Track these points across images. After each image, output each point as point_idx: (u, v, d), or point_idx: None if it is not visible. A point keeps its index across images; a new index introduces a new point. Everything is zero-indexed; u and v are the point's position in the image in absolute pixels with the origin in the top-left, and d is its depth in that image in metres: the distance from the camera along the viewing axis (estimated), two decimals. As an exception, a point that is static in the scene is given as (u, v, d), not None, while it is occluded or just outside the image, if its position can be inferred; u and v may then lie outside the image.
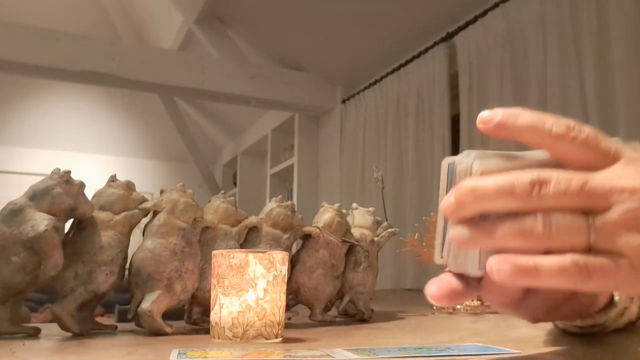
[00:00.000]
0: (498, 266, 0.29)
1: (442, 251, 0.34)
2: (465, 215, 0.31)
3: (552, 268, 0.28)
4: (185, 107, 5.15)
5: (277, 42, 3.46)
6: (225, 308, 0.55)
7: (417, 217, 2.40)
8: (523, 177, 0.30)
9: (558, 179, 0.29)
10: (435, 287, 0.34)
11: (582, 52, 1.93)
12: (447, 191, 0.33)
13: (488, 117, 0.33)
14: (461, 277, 0.34)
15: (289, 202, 0.79)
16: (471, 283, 0.34)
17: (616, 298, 0.42)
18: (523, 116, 0.32)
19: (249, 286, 0.55)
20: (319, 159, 3.86)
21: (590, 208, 0.29)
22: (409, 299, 1.57)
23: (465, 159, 0.33)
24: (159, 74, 3.20)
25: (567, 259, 0.29)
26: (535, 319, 0.38)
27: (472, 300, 0.92)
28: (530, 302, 0.36)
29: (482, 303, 0.94)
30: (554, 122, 0.32)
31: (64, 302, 0.60)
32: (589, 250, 0.29)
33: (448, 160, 0.34)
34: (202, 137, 5.47)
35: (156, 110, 5.12)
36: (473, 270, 0.33)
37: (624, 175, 0.30)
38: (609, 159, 0.31)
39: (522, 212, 0.30)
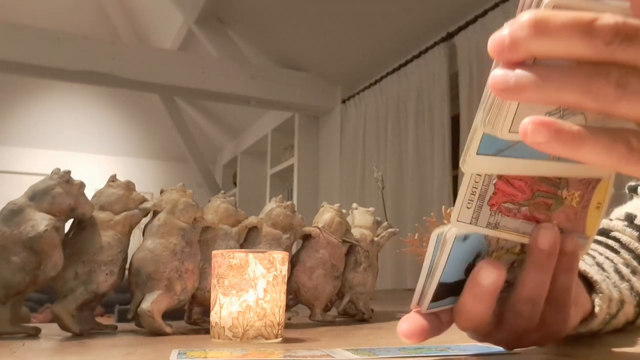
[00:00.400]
0: (535, 126, 0.24)
1: (418, 303, 0.35)
2: (516, 58, 0.25)
3: (600, 142, 0.24)
4: (185, 107, 5.15)
5: (277, 42, 3.46)
6: (225, 308, 0.56)
7: (417, 217, 2.40)
8: (606, 19, 0.23)
9: None
10: (406, 325, 0.34)
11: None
12: (430, 257, 0.33)
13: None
14: (432, 315, 0.35)
15: (289, 202, 0.79)
16: (443, 318, 0.35)
17: (597, 309, 0.42)
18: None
19: (249, 286, 0.55)
20: (319, 159, 3.86)
21: None
22: (409, 299, 1.56)
23: None
24: (159, 74, 3.20)
25: (621, 137, 0.24)
26: (509, 346, 0.38)
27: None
28: (500, 332, 0.37)
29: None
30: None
31: (64, 302, 0.60)
32: None
33: (437, 231, 0.32)
34: (202, 137, 5.47)
35: (156, 110, 5.12)
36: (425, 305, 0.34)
37: None
38: None
39: (595, 66, 0.23)
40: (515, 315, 0.35)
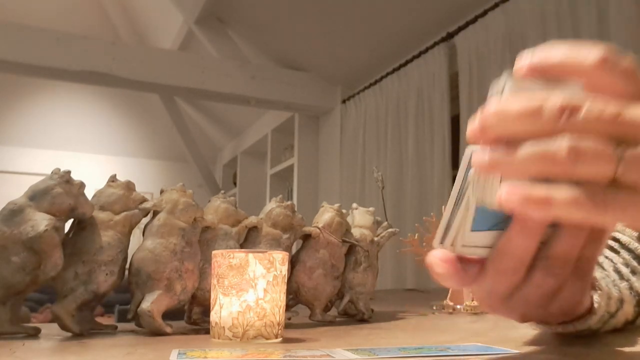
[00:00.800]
0: (509, 193, 0.27)
1: (442, 238, 0.33)
2: (488, 140, 0.29)
3: (567, 197, 0.27)
4: (185, 107, 5.15)
5: (277, 42, 3.46)
6: (225, 308, 0.56)
7: (417, 217, 2.40)
8: (552, 101, 0.27)
9: (590, 105, 0.27)
10: (442, 253, 0.33)
11: (582, 52, 1.93)
12: (462, 178, 0.32)
13: (472, 129, 0.31)
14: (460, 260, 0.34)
15: (289, 202, 0.79)
16: (469, 271, 0.34)
17: (595, 305, 0.42)
18: (556, 50, 0.30)
19: (249, 286, 0.55)
20: (319, 159, 3.86)
21: (621, 139, 0.27)
22: (409, 299, 1.57)
23: (500, 80, 0.31)
24: (159, 74, 3.20)
25: (583, 189, 0.27)
26: (523, 318, 0.38)
27: (472, 300, 0.92)
28: (517, 299, 0.36)
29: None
30: (590, 51, 0.29)
31: (64, 302, 0.60)
32: (613, 182, 0.27)
33: (471, 148, 0.32)
34: (202, 137, 5.47)
35: (156, 110, 5.12)
36: (467, 236, 0.32)
37: None
38: None
39: (550, 137, 0.27)
40: (545, 271, 0.34)
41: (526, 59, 0.31)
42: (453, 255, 0.33)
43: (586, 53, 0.29)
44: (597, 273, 0.44)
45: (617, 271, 0.47)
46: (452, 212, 0.32)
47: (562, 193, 0.27)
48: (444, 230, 0.33)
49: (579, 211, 0.27)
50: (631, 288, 0.47)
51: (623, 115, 0.27)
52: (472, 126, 0.30)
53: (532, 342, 0.49)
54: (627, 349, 0.44)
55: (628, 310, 0.47)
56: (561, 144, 0.27)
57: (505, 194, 0.28)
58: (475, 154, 0.30)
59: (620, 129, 0.27)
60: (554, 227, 0.34)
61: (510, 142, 0.29)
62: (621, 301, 0.45)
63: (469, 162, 0.31)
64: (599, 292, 0.43)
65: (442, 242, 0.33)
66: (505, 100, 0.29)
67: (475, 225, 0.32)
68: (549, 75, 0.30)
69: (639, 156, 0.27)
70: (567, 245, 0.34)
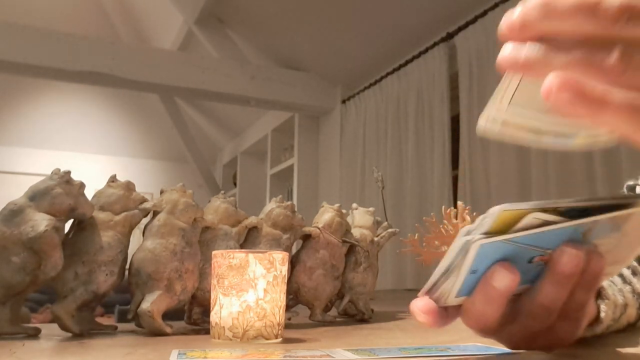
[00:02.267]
0: (561, 85, 0.24)
1: (429, 292, 0.35)
2: (527, 37, 0.26)
3: (623, 102, 0.24)
4: (185, 107, 5.15)
5: (277, 42, 3.46)
6: (225, 308, 0.55)
7: (417, 217, 2.40)
8: (612, 0, 0.24)
9: None
10: (422, 303, 0.34)
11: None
12: (459, 247, 0.32)
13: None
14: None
15: (289, 203, 0.79)
16: (449, 311, 0.35)
17: (602, 314, 0.42)
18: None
19: (249, 286, 0.55)
20: (319, 159, 3.86)
21: None
22: (409, 299, 1.56)
23: None
24: (159, 74, 3.20)
25: None
26: (514, 346, 0.38)
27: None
28: (508, 330, 0.36)
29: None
30: None
31: (64, 302, 0.60)
32: None
33: (465, 235, 0.31)
34: (202, 137, 5.47)
35: (156, 110, 5.12)
36: (450, 298, 0.33)
37: None
38: None
39: (600, 41, 0.24)
40: (528, 316, 0.35)
41: (512, 19, 0.28)
42: (433, 305, 0.34)
43: None
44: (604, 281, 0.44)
45: (620, 274, 0.47)
46: (442, 274, 0.33)
47: (620, 97, 0.24)
48: (432, 286, 0.34)
49: (632, 122, 0.24)
50: (634, 291, 0.47)
51: None
52: (509, 19, 0.26)
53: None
54: (627, 350, 0.44)
55: (631, 313, 0.47)
56: (613, 50, 0.24)
57: (558, 85, 0.24)
58: (504, 49, 0.26)
59: None
60: (533, 282, 0.34)
61: (551, 43, 0.25)
62: (625, 306, 0.45)
63: (462, 246, 0.31)
64: (606, 300, 0.43)
65: (429, 293, 0.35)
66: None
67: (460, 292, 0.33)
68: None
69: None
70: (549, 297, 0.34)
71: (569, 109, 0.24)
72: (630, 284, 0.47)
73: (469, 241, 0.31)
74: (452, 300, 0.34)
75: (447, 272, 0.33)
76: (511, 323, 0.36)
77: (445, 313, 0.35)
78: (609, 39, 0.24)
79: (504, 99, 0.29)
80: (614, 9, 0.24)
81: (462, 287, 0.33)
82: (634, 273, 0.48)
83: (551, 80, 0.24)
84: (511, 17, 0.26)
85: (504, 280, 0.32)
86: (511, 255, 0.32)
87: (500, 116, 0.29)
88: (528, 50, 0.26)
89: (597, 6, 0.24)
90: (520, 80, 0.28)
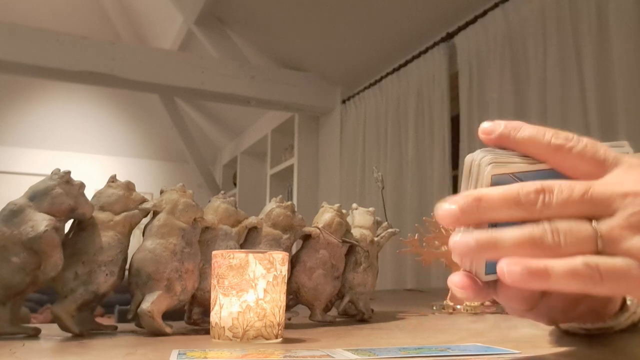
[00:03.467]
0: (509, 268, 0.29)
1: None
2: (467, 224, 0.31)
3: (564, 270, 0.28)
4: (185, 107, 5.15)
5: (277, 43, 3.46)
6: (225, 308, 0.55)
7: (417, 217, 2.40)
8: (527, 187, 0.30)
9: (561, 187, 0.30)
10: (460, 278, 0.34)
11: (582, 52, 1.93)
12: (467, 187, 0.34)
13: (490, 128, 0.34)
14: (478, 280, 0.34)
15: (289, 203, 0.79)
16: (488, 285, 0.35)
17: (628, 302, 0.42)
18: (524, 130, 0.33)
19: (249, 286, 0.55)
20: (319, 159, 3.86)
21: (594, 214, 0.30)
22: (409, 299, 1.57)
23: (480, 157, 0.33)
24: (159, 74, 3.20)
25: (578, 260, 0.29)
26: (551, 321, 0.38)
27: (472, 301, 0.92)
28: (547, 303, 0.36)
29: (483, 303, 0.94)
30: (552, 135, 0.32)
31: (64, 302, 0.60)
32: (599, 254, 0.29)
33: (472, 156, 0.34)
34: (202, 137, 5.47)
35: (156, 111, 5.12)
36: (481, 276, 0.33)
37: (625, 180, 0.30)
38: (608, 167, 0.32)
39: (528, 221, 0.30)
40: None
41: (495, 127, 0.34)
42: (469, 280, 0.34)
43: (550, 137, 0.32)
44: None
45: None
46: None
47: (560, 264, 0.29)
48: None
49: (577, 283, 0.28)
50: None
51: (590, 192, 0.30)
52: (448, 210, 0.31)
53: (532, 342, 0.49)
54: (627, 350, 0.44)
55: (636, 312, 0.47)
56: (544, 232, 0.29)
57: (507, 267, 0.29)
58: (454, 239, 0.31)
59: (590, 206, 0.30)
60: None
61: (492, 228, 0.31)
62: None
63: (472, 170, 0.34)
64: None
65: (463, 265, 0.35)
66: (483, 189, 0.31)
67: (490, 268, 0.34)
68: (513, 148, 0.33)
69: (612, 229, 0.29)
70: None
71: (523, 283, 0.29)
72: None
73: (475, 160, 0.33)
74: (484, 277, 0.34)
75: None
76: (549, 295, 0.36)
77: (484, 287, 0.35)
78: (537, 219, 0.30)
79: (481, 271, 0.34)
80: (531, 195, 0.30)
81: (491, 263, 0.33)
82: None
83: (502, 264, 0.29)
84: (449, 209, 0.31)
85: None
86: None
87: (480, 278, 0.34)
88: (477, 236, 0.30)
89: (517, 197, 0.30)
90: None
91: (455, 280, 0.34)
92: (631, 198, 0.29)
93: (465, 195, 0.31)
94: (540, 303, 0.36)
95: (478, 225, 0.31)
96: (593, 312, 0.38)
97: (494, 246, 0.30)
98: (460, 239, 0.31)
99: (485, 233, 0.31)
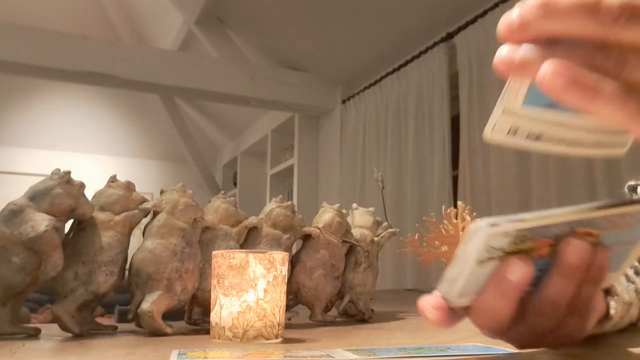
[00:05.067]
0: (555, 72, 0.24)
1: (447, 290, 0.34)
2: (526, 38, 0.26)
3: (615, 94, 0.24)
4: (185, 107, 5.15)
5: (277, 43, 3.46)
6: (225, 308, 0.56)
7: (417, 217, 2.40)
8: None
9: None
10: (431, 301, 0.33)
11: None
12: (467, 240, 0.32)
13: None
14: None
15: (289, 203, 0.79)
16: (457, 311, 0.35)
17: (612, 311, 0.42)
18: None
19: (249, 286, 0.55)
20: (319, 159, 3.86)
21: None
22: (409, 299, 1.57)
23: None
24: (159, 74, 3.20)
25: (634, 94, 0.24)
26: (521, 346, 0.38)
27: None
28: (516, 330, 0.36)
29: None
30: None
31: (64, 302, 0.60)
32: None
33: (477, 223, 0.31)
34: (202, 137, 5.47)
35: (156, 111, 5.12)
36: (452, 299, 0.33)
37: None
38: None
39: (600, 43, 0.24)
40: (537, 314, 0.35)
41: (511, 20, 0.27)
42: (443, 302, 0.33)
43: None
44: None
45: (624, 274, 0.47)
46: (459, 269, 0.33)
47: (612, 87, 0.24)
48: (451, 282, 0.34)
49: (621, 111, 0.24)
50: (637, 290, 0.47)
51: None
52: (507, 20, 0.26)
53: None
54: (627, 350, 0.44)
55: (634, 312, 0.47)
56: (610, 53, 0.24)
57: (552, 71, 0.24)
58: (500, 51, 0.26)
59: None
60: (541, 272, 0.34)
61: (549, 44, 0.25)
62: (630, 304, 0.45)
63: (472, 235, 0.31)
64: (616, 297, 0.43)
65: (446, 293, 0.34)
66: None
67: (466, 291, 0.33)
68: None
69: None
70: (557, 292, 0.34)
71: (562, 95, 0.24)
72: (633, 283, 0.47)
73: (476, 229, 0.31)
74: (457, 300, 0.34)
75: (454, 265, 0.33)
76: (519, 322, 0.35)
77: (453, 312, 0.34)
78: (612, 41, 0.24)
79: (514, 101, 0.29)
80: (614, 7, 0.24)
81: (467, 286, 0.33)
82: (637, 273, 0.48)
83: (546, 66, 0.24)
84: (510, 18, 0.26)
85: (520, 273, 0.32)
86: None
87: (507, 121, 0.29)
88: (524, 52, 0.25)
89: (597, 5, 0.24)
90: (529, 84, 0.28)
91: (430, 301, 0.33)
92: None
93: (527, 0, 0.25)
94: (513, 328, 0.36)
95: (537, 40, 0.25)
96: (563, 341, 0.37)
97: (542, 63, 0.25)
98: (505, 53, 0.26)
99: (537, 48, 0.25)
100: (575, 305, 0.35)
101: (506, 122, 0.29)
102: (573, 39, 0.25)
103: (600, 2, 0.24)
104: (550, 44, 0.25)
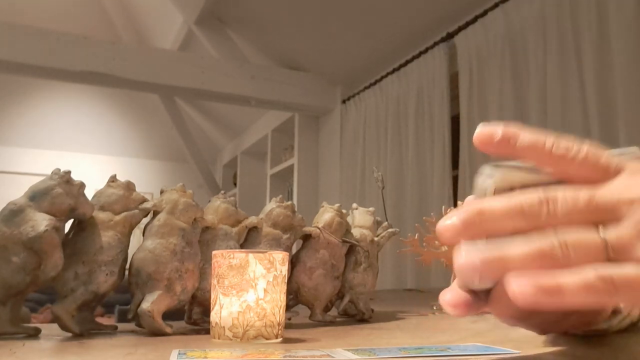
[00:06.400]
0: (520, 289, 0.27)
1: None
2: (470, 237, 0.30)
3: (577, 285, 0.27)
4: (185, 107, 5.15)
5: (277, 42, 3.46)
6: (225, 308, 0.56)
7: (417, 217, 2.40)
8: (531, 197, 0.30)
9: (565, 196, 0.29)
10: (450, 295, 0.33)
11: (582, 52, 1.93)
12: None
13: (487, 135, 0.33)
14: (469, 290, 0.34)
15: (289, 203, 0.79)
16: (480, 296, 0.34)
17: (620, 304, 0.42)
18: (523, 137, 0.32)
19: (249, 286, 0.55)
20: (319, 159, 3.86)
21: (600, 221, 0.29)
22: (409, 299, 1.57)
23: (484, 177, 0.33)
24: (159, 74, 3.20)
25: (590, 274, 0.27)
26: (543, 331, 0.38)
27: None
28: (538, 314, 0.36)
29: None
30: (553, 143, 0.31)
31: (64, 302, 0.60)
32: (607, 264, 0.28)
33: (483, 171, 0.33)
34: (202, 137, 5.47)
35: (156, 111, 5.12)
36: (475, 284, 0.33)
37: (630, 186, 0.30)
38: (611, 173, 0.31)
39: (532, 230, 0.29)
40: None
41: (492, 134, 0.32)
42: (460, 295, 0.33)
43: (550, 144, 0.31)
44: None
45: None
46: None
47: (572, 279, 0.27)
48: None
49: (592, 296, 0.27)
50: None
51: (595, 199, 0.29)
52: (449, 223, 0.30)
53: (532, 342, 0.49)
54: (627, 350, 0.44)
55: (635, 312, 0.47)
56: (552, 243, 0.28)
57: (518, 288, 0.27)
58: (462, 256, 0.30)
59: (595, 213, 0.29)
60: None
61: (499, 240, 0.30)
62: None
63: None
64: None
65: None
66: (485, 199, 0.31)
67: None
68: (512, 156, 0.32)
69: (621, 237, 0.28)
70: None
71: (535, 303, 0.27)
72: None
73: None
74: (478, 284, 0.33)
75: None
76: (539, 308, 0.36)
77: (477, 298, 0.34)
78: (541, 229, 0.29)
79: None
80: (534, 206, 0.29)
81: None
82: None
83: (512, 283, 0.28)
84: (451, 223, 0.30)
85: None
86: None
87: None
88: (482, 252, 0.29)
89: (521, 208, 0.29)
90: None
91: (447, 298, 0.33)
92: (638, 204, 0.29)
93: (466, 208, 0.30)
94: (532, 313, 0.36)
95: (480, 238, 0.30)
96: (585, 320, 0.38)
97: (501, 264, 0.29)
98: (465, 261, 0.30)
99: (491, 250, 0.29)
100: None
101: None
102: (515, 233, 0.30)
103: (522, 205, 0.29)
104: (500, 242, 0.29)
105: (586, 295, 0.27)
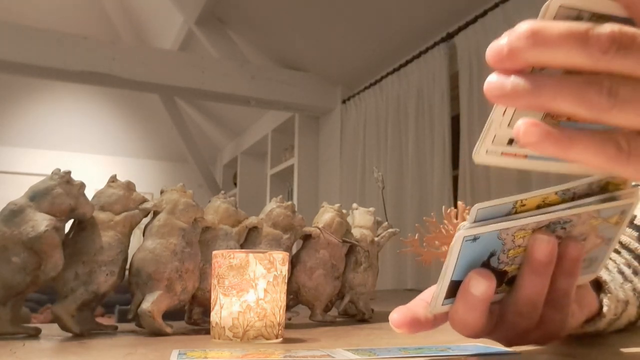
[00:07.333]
0: (527, 127, 0.24)
1: (434, 303, 0.35)
2: (514, 67, 0.25)
3: (589, 143, 0.24)
4: (185, 107, 5.15)
5: (277, 43, 3.46)
6: (225, 308, 0.56)
7: (417, 217, 2.40)
8: (602, 28, 0.23)
9: None
10: (397, 315, 0.34)
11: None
12: (451, 254, 0.33)
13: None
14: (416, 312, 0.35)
15: (289, 203, 0.79)
16: (438, 315, 0.35)
17: (604, 309, 0.42)
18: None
19: (249, 286, 0.55)
20: (319, 159, 3.86)
21: None
22: (409, 299, 1.56)
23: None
24: (159, 74, 3.20)
25: (610, 138, 0.24)
26: (509, 344, 0.38)
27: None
28: (500, 330, 0.37)
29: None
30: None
31: (64, 302, 0.60)
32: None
33: (461, 231, 0.32)
34: (202, 137, 5.47)
35: (156, 110, 5.12)
36: (439, 302, 0.34)
37: None
38: None
39: (589, 72, 0.24)
40: (515, 314, 0.35)
41: (500, 48, 0.26)
42: (406, 316, 0.34)
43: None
44: (605, 275, 0.44)
45: (621, 272, 0.47)
46: (440, 282, 0.34)
47: (587, 137, 0.24)
48: (435, 297, 0.35)
49: (599, 158, 0.24)
50: (634, 289, 0.47)
51: None
52: (496, 47, 0.25)
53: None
54: (627, 350, 0.44)
55: (632, 311, 0.47)
56: (602, 85, 0.23)
57: (524, 126, 0.24)
58: (490, 80, 0.26)
59: None
60: (509, 283, 0.35)
61: (534, 74, 0.25)
62: (626, 303, 0.45)
63: (458, 244, 0.32)
64: (609, 295, 0.43)
65: (433, 306, 0.35)
66: (543, 20, 0.25)
67: (446, 300, 0.34)
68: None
69: None
70: (531, 289, 0.34)
71: (538, 148, 0.25)
72: (631, 282, 0.47)
73: (457, 236, 0.32)
74: (440, 308, 0.35)
75: (442, 274, 0.34)
76: (501, 323, 0.36)
77: (425, 319, 0.35)
78: (597, 73, 0.24)
79: (500, 128, 0.29)
80: (604, 37, 0.23)
81: (447, 294, 0.34)
82: (635, 272, 0.48)
83: (519, 124, 0.25)
84: (498, 45, 0.25)
85: (481, 287, 0.32)
86: (494, 249, 0.33)
87: (496, 148, 0.29)
88: (515, 82, 0.25)
89: (587, 34, 0.23)
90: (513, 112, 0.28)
91: (394, 318, 0.34)
92: None
93: (516, 28, 0.25)
94: (496, 329, 0.36)
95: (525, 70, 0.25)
96: (547, 337, 0.38)
97: (533, 88, 0.24)
98: (495, 82, 0.25)
99: (527, 77, 0.25)
100: (554, 300, 0.35)
101: (496, 148, 0.30)
102: (564, 69, 0.25)
103: (589, 32, 0.23)
104: (541, 74, 0.25)
105: (594, 157, 0.24)
